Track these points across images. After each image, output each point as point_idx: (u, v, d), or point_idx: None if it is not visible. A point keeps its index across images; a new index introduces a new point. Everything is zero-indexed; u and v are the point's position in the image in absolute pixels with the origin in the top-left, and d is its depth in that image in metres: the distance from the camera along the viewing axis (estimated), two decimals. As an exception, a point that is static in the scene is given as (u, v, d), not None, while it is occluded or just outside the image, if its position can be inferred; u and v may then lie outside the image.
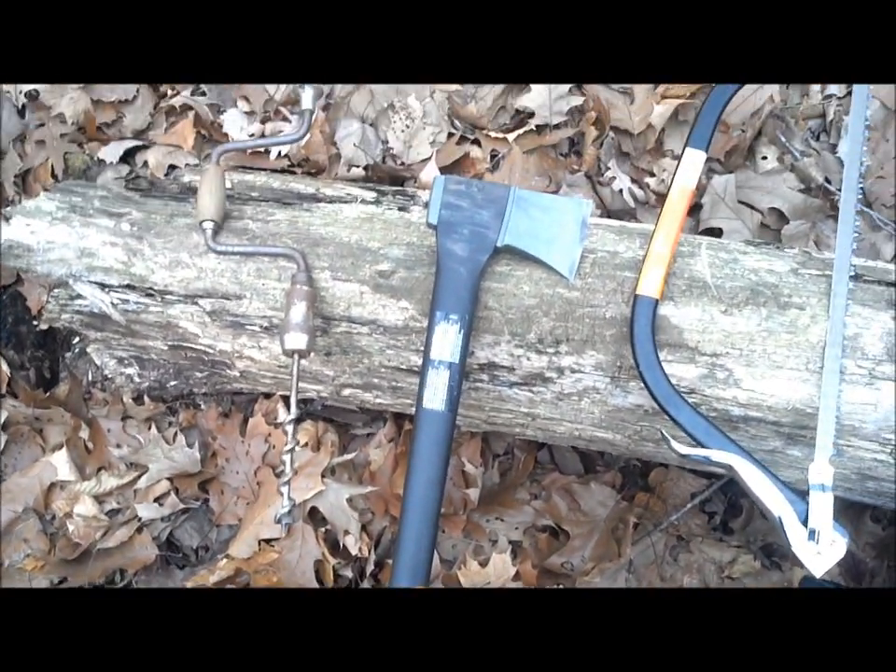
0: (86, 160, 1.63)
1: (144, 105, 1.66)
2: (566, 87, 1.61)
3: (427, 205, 1.25)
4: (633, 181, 1.62)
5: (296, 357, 1.20)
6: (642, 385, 1.13)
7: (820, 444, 1.11)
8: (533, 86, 1.61)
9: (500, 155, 1.63)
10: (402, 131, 1.62)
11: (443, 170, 1.58)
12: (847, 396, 1.14)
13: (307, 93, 1.30)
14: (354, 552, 1.42)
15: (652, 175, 1.62)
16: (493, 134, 1.63)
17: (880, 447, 1.16)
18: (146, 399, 1.54)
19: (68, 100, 1.64)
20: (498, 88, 1.65)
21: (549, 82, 1.58)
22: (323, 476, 1.44)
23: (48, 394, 1.60)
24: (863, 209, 1.54)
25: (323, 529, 1.43)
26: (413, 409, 1.19)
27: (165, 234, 1.30)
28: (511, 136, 1.62)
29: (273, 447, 1.50)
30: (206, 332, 1.33)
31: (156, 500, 1.51)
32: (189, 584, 1.38)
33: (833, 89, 1.66)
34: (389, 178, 1.58)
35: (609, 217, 1.58)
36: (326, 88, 1.64)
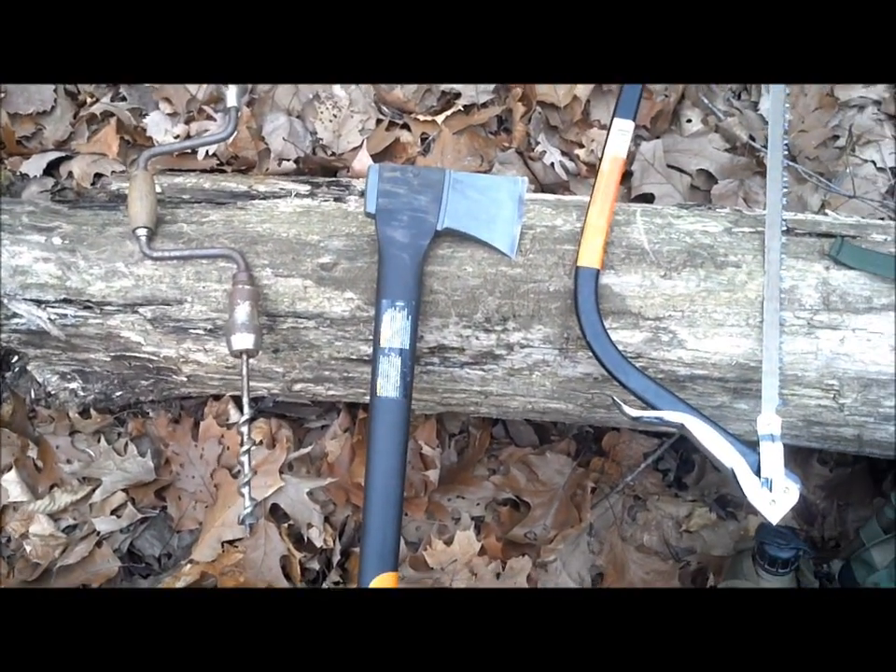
0: (8, 175, 1.59)
1: (63, 114, 1.63)
2: (489, 64, 1.61)
3: (363, 195, 1.24)
4: (563, 154, 1.64)
5: (244, 357, 1.19)
6: (590, 354, 1.15)
7: (766, 396, 1.14)
8: (457, 66, 1.61)
9: (431, 137, 1.63)
10: (330, 121, 1.61)
11: (375, 157, 1.58)
12: (788, 347, 1.17)
13: (231, 91, 1.28)
14: (319, 544, 1.43)
15: (582, 146, 1.64)
16: (421, 118, 1.64)
17: (823, 393, 1.20)
18: (92, 412, 1.52)
19: (-18, 116, 1.60)
20: (422, 70, 1.65)
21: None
22: (281, 472, 1.44)
23: (-9, 416, 1.57)
24: (789, 163, 1.58)
25: (286, 525, 1.43)
26: (367, 398, 1.19)
27: (98, 245, 1.28)
28: (439, 118, 1.63)
29: (227, 448, 1.49)
30: (149, 340, 1.31)
31: (113, 512, 1.49)
32: (156, 593, 1.37)
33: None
34: (322, 169, 1.57)
35: (543, 191, 1.60)
36: (248, 84, 1.62)
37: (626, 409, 1.12)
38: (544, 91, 1.63)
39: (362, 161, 1.54)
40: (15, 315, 1.31)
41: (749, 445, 1.09)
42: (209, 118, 1.60)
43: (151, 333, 1.30)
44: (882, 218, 1.58)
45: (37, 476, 1.53)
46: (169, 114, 1.61)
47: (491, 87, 1.62)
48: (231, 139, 1.47)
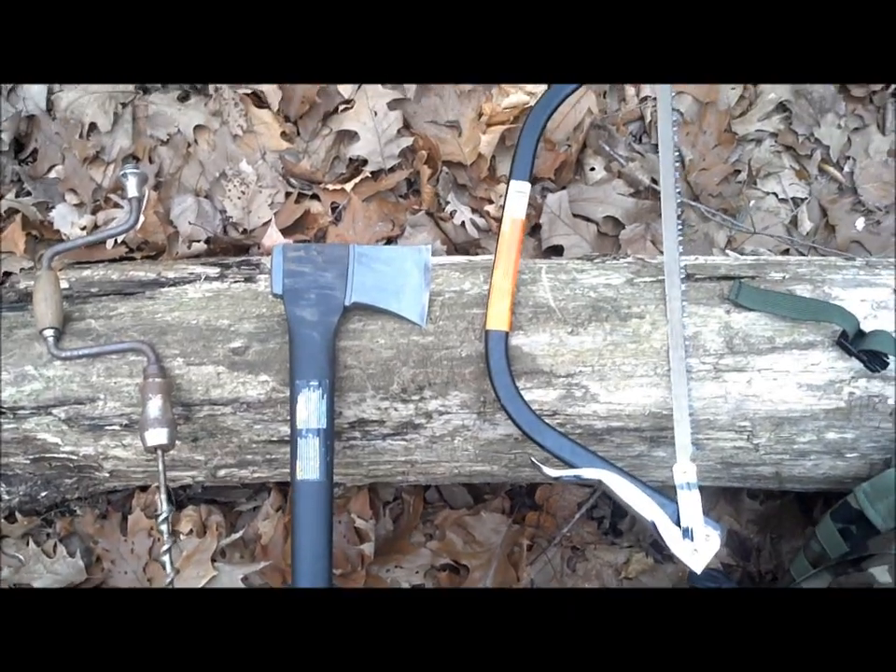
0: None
1: (-33, 216, 1.61)
2: (394, 130, 1.63)
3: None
4: (473, 211, 1.65)
5: (160, 452, 1.17)
6: (506, 416, 1.15)
7: (679, 444, 1.16)
8: (360, 133, 1.63)
9: (341, 206, 1.64)
10: (239, 197, 1.61)
11: (286, 230, 1.58)
12: (697, 392, 1.19)
13: (131, 181, 1.28)
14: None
15: (491, 202, 1.65)
16: (330, 187, 1.64)
17: (737, 435, 1.22)
18: (17, 515, 1.48)
19: None
20: (329, 139, 1.66)
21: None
22: (213, 560, 1.41)
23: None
24: (690, 203, 1.62)
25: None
26: (294, 477, 1.19)
27: (6, 350, 1.26)
28: (348, 186, 1.63)
29: (158, 540, 1.47)
30: (66, 440, 1.29)
31: (46, 617, 1.45)
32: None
33: (648, 90, 1.72)
34: (233, 248, 1.57)
35: (457, 250, 1.61)
36: (155, 166, 1.62)
37: (545, 469, 1.13)
38: (449, 150, 1.65)
39: (272, 237, 1.54)
40: (-76, 427, 1.28)
41: (668, 496, 1.10)
42: (116, 205, 1.59)
43: (68, 433, 1.29)
44: (787, 249, 1.63)
45: (-34, 587, 1.49)
46: (76, 204, 1.59)
47: (397, 151, 1.63)
48: (137, 227, 1.46)
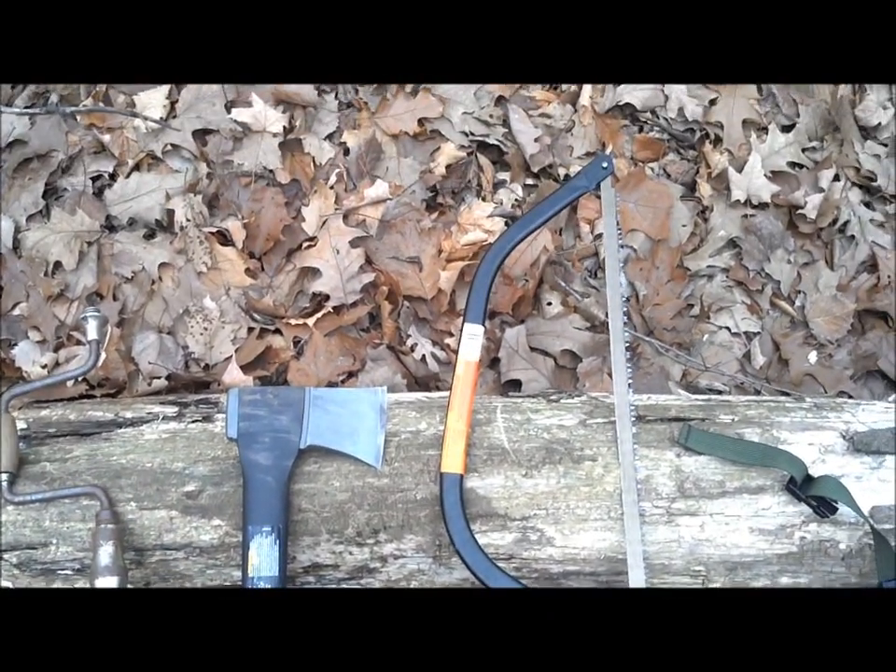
0: None
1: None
2: (356, 266, 1.67)
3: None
4: (434, 344, 1.68)
5: (109, 602, 1.16)
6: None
7: (634, 586, 1.16)
8: (323, 270, 1.66)
9: (303, 341, 1.66)
10: (201, 333, 1.63)
11: (247, 366, 1.60)
12: (651, 536, 1.20)
13: (91, 324, 1.30)
14: None
15: (451, 334, 1.68)
16: (293, 321, 1.66)
17: (692, 579, 1.22)
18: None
19: None
20: (293, 275, 1.69)
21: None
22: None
23: None
24: (644, 338, 1.66)
25: None
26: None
27: (-43, 494, 1.25)
28: (310, 321, 1.66)
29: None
30: (18, 584, 1.27)
31: None
32: None
33: (601, 227, 1.78)
34: (193, 384, 1.58)
35: (417, 383, 1.63)
36: (118, 303, 1.64)
37: (499, 617, 1.12)
38: (410, 285, 1.69)
39: (232, 374, 1.55)
40: None
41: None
42: (79, 342, 1.60)
43: (19, 577, 1.26)
44: (742, 383, 1.66)
45: None
46: (38, 342, 1.60)
47: (359, 287, 1.67)
48: (98, 366, 1.47)
